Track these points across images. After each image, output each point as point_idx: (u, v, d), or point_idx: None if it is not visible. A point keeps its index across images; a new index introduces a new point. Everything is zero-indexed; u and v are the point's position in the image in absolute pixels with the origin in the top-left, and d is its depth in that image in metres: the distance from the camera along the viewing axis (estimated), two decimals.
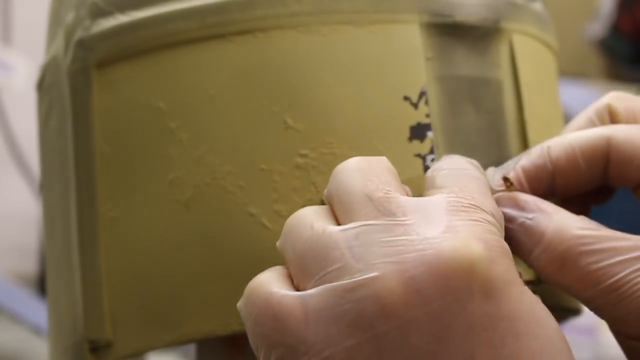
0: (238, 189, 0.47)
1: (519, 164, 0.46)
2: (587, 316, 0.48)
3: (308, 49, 0.48)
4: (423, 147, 0.47)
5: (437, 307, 0.37)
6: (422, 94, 0.48)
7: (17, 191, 1.63)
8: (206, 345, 0.58)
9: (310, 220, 0.40)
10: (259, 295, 0.40)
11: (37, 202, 1.46)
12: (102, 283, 0.49)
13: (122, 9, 0.50)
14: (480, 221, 0.39)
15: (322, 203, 0.46)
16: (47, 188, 0.54)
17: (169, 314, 0.47)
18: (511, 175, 0.46)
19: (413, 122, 0.47)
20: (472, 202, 0.39)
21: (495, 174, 0.46)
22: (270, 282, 0.40)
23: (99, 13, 0.50)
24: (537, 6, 0.53)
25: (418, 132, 0.47)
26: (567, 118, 0.53)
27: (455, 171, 0.42)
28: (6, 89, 1.56)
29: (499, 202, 0.44)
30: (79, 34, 0.51)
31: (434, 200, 0.40)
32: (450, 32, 0.49)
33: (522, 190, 0.45)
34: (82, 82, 0.50)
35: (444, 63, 0.49)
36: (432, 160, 0.47)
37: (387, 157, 0.47)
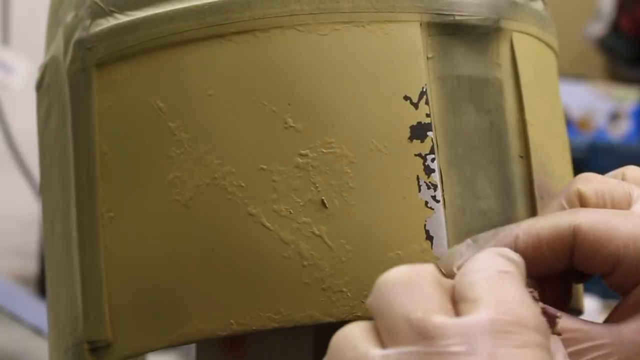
0: (238, 189, 0.47)
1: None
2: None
3: (308, 48, 0.47)
4: (423, 147, 0.47)
5: None
6: (423, 94, 0.48)
7: (17, 191, 1.63)
8: (206, 346, 0.58)
9: (354, 340, 0.39)
10: None
11: (37, 203, 1.45)
12: (102, 283, 0.49)
13: (122, 9, 0.50)
14: (526, 347, 0.37)
15: (322, 203, 0.46)
16: (46, 188, 0.54)
17: (168, 314, 0.47)
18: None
19: (413, 122, 0.47)
20: (514, 319, 0.37)
21: (468, 250, 0.46)
22: None
23: (98, 13, 0.50)
24: (538, 5, 0.53)
25: (418, 131, 0.47)
26: (567, 118, 0.53)
27: (488, 276, 0.39)
28: (5, 89, 1.56)
29: None
30: (78, 33, 0.50)
31: (475, 322, 0.37)
32: (450, 31, 0.49)
33: None
34: (82, 82, 0.50)
35: (445, 62, 0.49)
36: (433, 160, 0.47)
37: (387, 156, 0.47)
